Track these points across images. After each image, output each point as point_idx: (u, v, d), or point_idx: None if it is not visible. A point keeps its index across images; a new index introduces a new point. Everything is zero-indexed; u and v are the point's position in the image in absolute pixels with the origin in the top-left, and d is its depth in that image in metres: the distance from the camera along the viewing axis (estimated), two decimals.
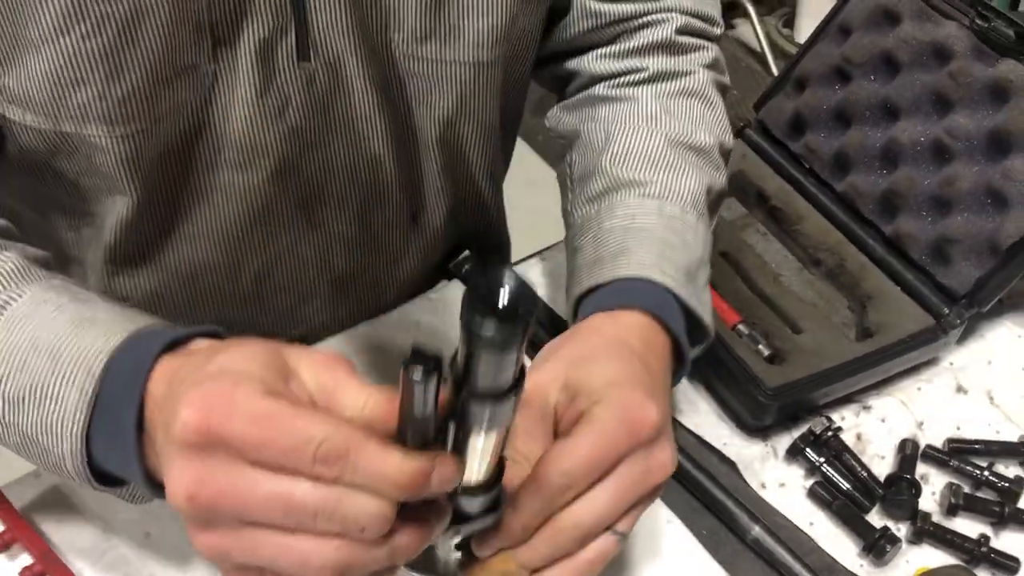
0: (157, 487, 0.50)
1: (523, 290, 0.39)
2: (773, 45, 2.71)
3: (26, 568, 0.65)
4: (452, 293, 0.89)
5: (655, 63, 0.78)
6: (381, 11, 0.69)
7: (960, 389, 0.83)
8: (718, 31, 0.83)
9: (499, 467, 0.51)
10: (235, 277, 0.81)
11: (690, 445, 0.78)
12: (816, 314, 0.84)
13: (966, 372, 0.84)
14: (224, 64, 0.66)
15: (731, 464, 0.78)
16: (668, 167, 0.73)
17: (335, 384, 0.46)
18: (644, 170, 0.72)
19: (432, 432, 0.44)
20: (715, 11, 0.83)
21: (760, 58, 2.71)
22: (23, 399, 0.53)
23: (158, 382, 0.49)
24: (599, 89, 0.80)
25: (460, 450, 0.46)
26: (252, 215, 0.76)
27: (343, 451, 0.42)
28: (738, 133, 0.99)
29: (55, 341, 0.53)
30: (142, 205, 0.71)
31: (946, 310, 0.82)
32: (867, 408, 0.81)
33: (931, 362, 0.85)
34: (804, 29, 2.67)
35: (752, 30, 2.66)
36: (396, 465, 0.42)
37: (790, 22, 2.77)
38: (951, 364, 0.85)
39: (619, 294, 0.65)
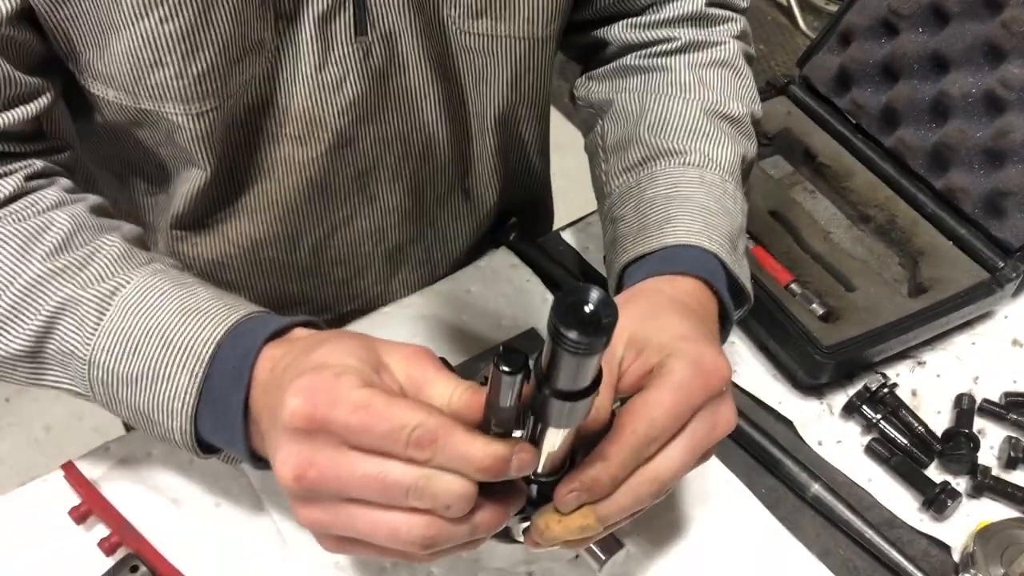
0: (259, 460, 0.56)
1: (607, 304, 0.41)
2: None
3: (103, 539, 0.67)
4: (500, 260, 0.89)
5: (686, 34, 0.78)
6: None
7: (1016, 343, 0.83)
8: (745, 3, 0.83)
9: (566, 459, 0.52)
10: (293, 249, 0.82)
11: (746, 405, 0.79)
12: (868, 271, 0.83)
13: (1021, 325, 0.84)
14: (286, 39, 0.67)
15: (788, 423, 0.78)
16: (705, 136, 0.73)
17: (423, 377, 0.51)
18: (682, 139, 0.73)
19: (514, 422, 0.47)
20: None
21: (787, 12, 2.68)
22: (137, 379, 0.58)
23: (262, 369, 0.54)
24: (630, 59, 0.80)
25: (535, 440, 0.49)
26: (310, 188, 0.77)
27: (433, 436, 0.46)
28: (782, 90, 0.98)
29: (166, 328, 0.57)
30: (211, 177, 0.74)
31: (1001, 263, 0.82)
32: (921, 364, 0.81)
33: (985, 316, 0.84)
34: None
35: None
36: (480, 449, 0.47)
37: None
38: (1006, 317, 0.85)
39: (671, 260, 0.65)
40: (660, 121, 0.74)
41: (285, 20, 0.67)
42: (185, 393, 0.56)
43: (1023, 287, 0.85)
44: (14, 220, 0.62)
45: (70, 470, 0.71)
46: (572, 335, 0.40)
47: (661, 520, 0.71)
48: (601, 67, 0.82)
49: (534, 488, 0.53)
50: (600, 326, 0.40)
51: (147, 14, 0.62)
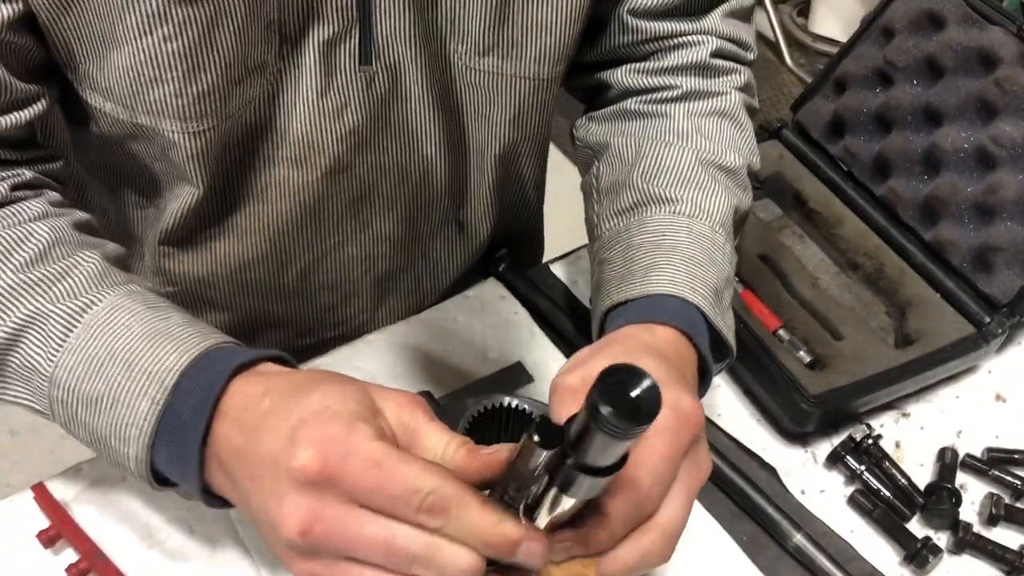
0: (212, 497, 0.54)
1: (653, 395, 0.40)
2: (788, 35, 2.70)
3: (72, 565, 0.65)
4: (488, 291, 0.88)
5: (687, 82, 0.78)
6: (445, 22, 0.69)
7: (999, 398, 0.83)
8: (751, 56, 0.83)
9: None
10: (281, 272, 0.81)
11: (730, 450, 0.78)
12: (855, 319, 0.84)
13: (1005, 381, 0.84)
14: (289, 63, 0.67)
15: (771, 470, 0.78)
16: (698, 186, 0.73)
17: (416, 425, 0.50)
18: (675, 187, 0.72)
19: (529, 487, 0.46)
20: (750, 37, 0.82)
21: (774, 47, 2.71)
22: (96, 401, 0.56)
23: (232, 405, 0.52)
24: (630, 103, 0.80)
25: (542, 498, 0.47)
26: (303, 212, 0.76)
27: (447, 504, 0.45)
28: (774, 134, 0.99)
29: (130, 351, 0.55)
30: (203, 195, 0.73)
31: (987, 318, 0.82)
32: (906, 415, 0.81)
33: (970, 370, 0.85)
34: (819, 18, 2.66)
35: (767, 19, 2.65)
36: (493, 525, 0.45)
37: (804, 11, 2.76)
38: (990, 372, 0.85)
39: (651, 309, 0.65)
40: (654, 168, 0.74)
41: (290, 44, 0.66)
42: (143, 420, 0.54)
43: (1008, 342, 0.86)
44: None
45: (40, 492, 0.69)
46: (611, 417, 0.38)
47: None
48: (602, 109, 0.82)
49: None
50: (642, 413, 0.39)
51: (151, 31, 0.61)
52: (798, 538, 0.72)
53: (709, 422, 0.80)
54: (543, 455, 0.43)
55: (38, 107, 0.66)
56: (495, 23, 0.70)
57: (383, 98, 0.71)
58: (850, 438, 0.78)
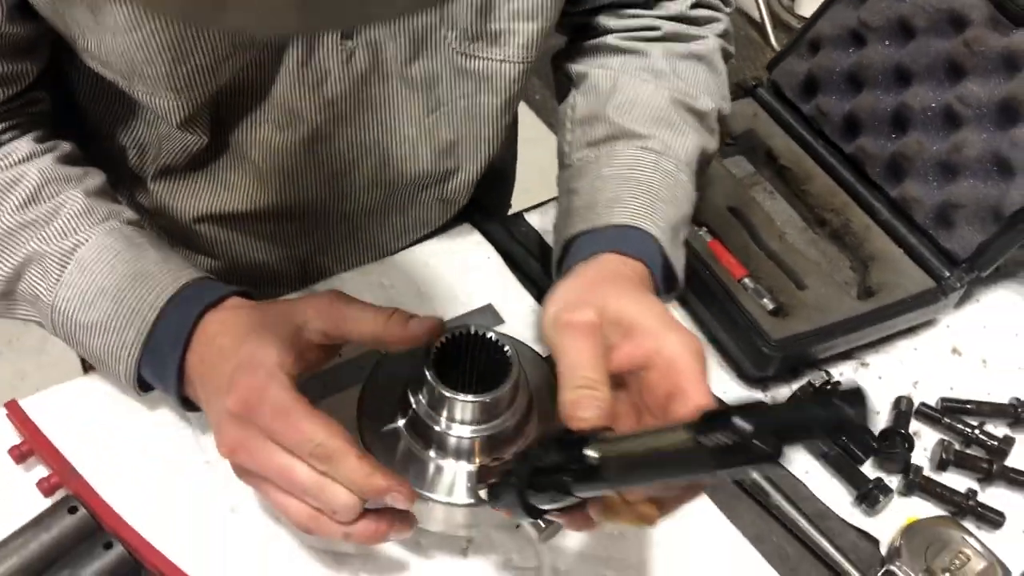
0: (188, 404, 0.66)
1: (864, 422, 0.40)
2: (773, 16, 2.71)
3: (42, 479, 0.67)
4: (462, 236, 0.89)
5: (668, 26, 0.81)
6: (433, 8, 0.71)
7: (955, 351, 0.86)
8: (728, 9, 0.86)
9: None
10: (260, 222, 0.84)
11: None
12: (820, 272, 0.85)
13: (961, 335, 0.87)
14: (278, 36, 0.69)
15: None
16: (669, 124, 0.75)
17: (342, 315, 0.62)
18: (647, 124, 0.75)
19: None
20: None
21: (759, 28, 2.72)
22: (91, 327, 0.67)
23: (198, 339, 0.63)
24: (611, 39, 0.82)
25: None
26: (284, 177, 0.79)
27: (331, 454, 0.56)
28: (750, 92, 1.00)
29: (117, 289, 0.66)
30: (193, 147, 0.76)
31: (947, 273, 0.84)
32: (865, 365, 0.84)
33: (928, 324, 0.87)
34: (804, 1, 2.67)
35: (754, 0, 2.66)
36: (363, 476, 0.57)
37: None
38: (947, 327, 0.87)
39: (619, 240, 0.68)
40: (628, 103, 0.76)
41: None
42: (132, 344, 0.65)
43: (966, 298, 0.88)
44: None
45: (13, 408, 0.70)
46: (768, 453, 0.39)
47: None
48: (584, 42, 0.84)
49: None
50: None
51: (138, 27, 0.65)
52: (754, 476, 0.74)
53: None
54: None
55: (24, 80, 0.71)
56: (483, 11, 0.72)
57: (363, 75, 0.73)
58: (809, 383, 0.80)
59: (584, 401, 0.54)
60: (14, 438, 0.69)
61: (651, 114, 0.75)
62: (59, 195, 0.69)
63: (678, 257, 0.71)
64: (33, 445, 0.68)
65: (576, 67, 0.83)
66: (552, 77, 0.88)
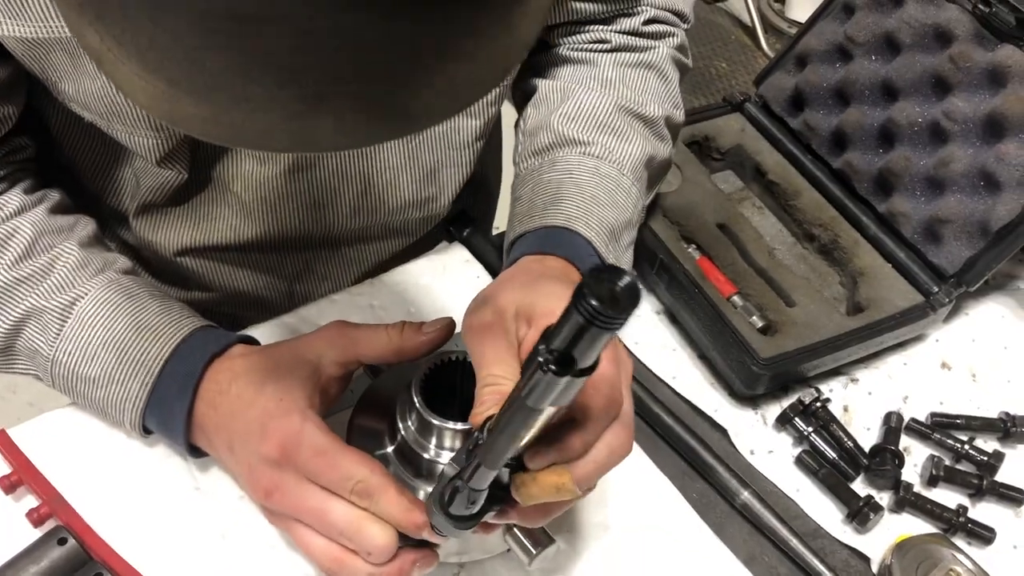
0: (195, 450, 0.67)
1: (634, 287, 0.41)
2: (764, 20, 2.71)
3: (32, 510, 0.66)
4: (452, 255, 0.90)
5: (618, 39, 0.82)
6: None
7: (944, 365, 0.86)
8: (686, 25, 0.86)
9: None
10: (243, 252, 0.84)
11: (682, 411, 0.80)
12: (809, 288, 0.86)
13: (951, 349, 0.87)
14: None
15: (722, 431, 0.80)
16: (613, 131, 0.76)
17: (353, 337, 0.64)
18: (590, 131, 0.76)
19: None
20: (687, 8, 0.86)
21: (750, 32, 2.72)
22: (94, 380, 0.67)
23: (207, 389, 0.64)
24: (563, 50, 0.83)
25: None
26: (267, 208, 0.79)
27: (372, 491, 0.57)
28: (738, 107, 1.01)
29: (120, 341, 0.66)
30: (173, 184, 0.77)
31: (935, 288, 0.84)
32: (855, 380, 0.84)
33: (917, 338, 0.87)
34: (795, 4, 2.67)
35: (744, 4, 2.67)
36: (404, 511, 0.57)
37: None
38: (937, 341, 0.88)
39: (546, 241, 0.69)
40: (574, 111, 0.77)
41: None
42: (136, 397, 0.66)
43: (955, 313, 0.88)
44: None
45: (2, 438, 0.70)
46: (605, 310, 0.40)
47: (593, 519, 0.72)
48: (538, 55, 0.85)
49: (506, 472, 0.54)
50: (621, 305, 0.41)
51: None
52: (745, 495, 0.74)
53: (663, 383, 0.82)
54: (551, 378, 0.43)
55: (6, 123, 0.70)
56: None
57: None
58: (799, 401, 0.80)
59: (485, 397, 0.54)
60: (3, 468, 0.69)
61: (595, 122, 0.76)
62: (53, 248, 0.70)
63: (620, 259, 0.72)
64: (22, 475, 0.68)
65: (530, 80, 0.84)
66: (511, 93, 0.89)
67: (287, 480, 0.59)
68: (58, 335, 0.67)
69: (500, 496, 0.55)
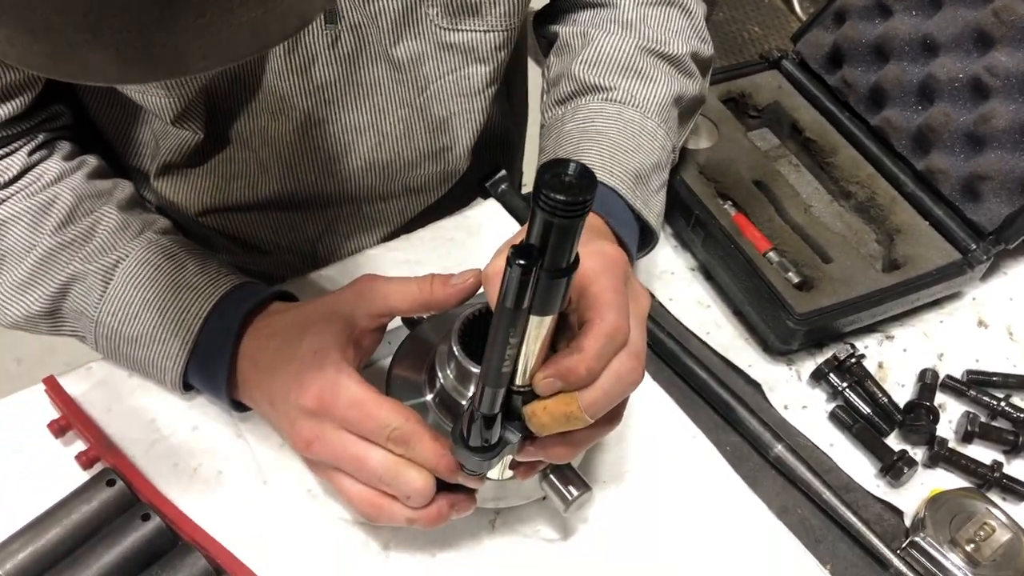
0: (237, 404, 0.69)
1: (586, 171, 0.43)
2: None
3: (81, 453, 0.68)
4: (486, 211, 0.90)
5: None
6: None
7: (981, 323, 0.86)
8: None
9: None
10: (264, 210, 0.85)
11: (716, 366, 0.81)
12: (845, 245, 0.85)
13: (988, 307, 0.87)
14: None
15: (756, 385, 0.80)
16: (636, 74, 0.76)
17: (383, 292, 0.64)
18: (611, 76, 0.76)
19: (513, 323, 0.50)
20: None
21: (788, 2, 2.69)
22: (136, 339, 0.69)
23: (247, 346, 0.66)
24: None
25: (520, 343, 0.51)
26: (283, 163, 0.80)
27: (408, 437, 0.59)
28: (774, 64, 1.00)
29: (161, 301, 0.68)
30: (190, 144, 0.78)
31: (973, 245, 0.84)
32: (890, 338, 0.84)
33: (954, 296, 0.87)
34: None
35: None
36: (439, 456, 0.59)
37: None
38: (973, 299, 0.87)
39: None
40: (594, 57, 0.77)
41: None
42: (177, 355, 0.68)
43: (993, 271, 0.88)
44: (24, 196, 0.70)
45: (51, 384, 0.72)
46: (561, 200, 0.42)
47: (630, 472, 0.73)
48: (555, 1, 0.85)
49: (519, 399, 0.56)
50: (584, 185, 0.43)
51: None
52: (779, 449, 0.74)
53: (696, 337, 0.83)
54: (519, 272, 0.46)
55: (35, 86, 0.71)
56: None
57: (350, 58, 0.74)
58: (834, 357, 0.80)
59: None
60: (52, 413, 0.71)
61: (616, 66, 0.76)
62: (94, 212, 0.71)
63: (650, 203, 0.72)
64: (71, 419, 0.70)
65: (551, 27, 0.84)
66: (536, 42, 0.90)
67: (326, 430, 0.60)
68: (101, 296, 0.69)
69: (519, 429, 0.56)
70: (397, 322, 0.73)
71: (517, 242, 0.48)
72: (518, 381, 0.55)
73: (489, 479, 0.63)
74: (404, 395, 0.65)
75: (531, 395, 0.56)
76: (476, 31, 0.77)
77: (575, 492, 0.63)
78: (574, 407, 0.54)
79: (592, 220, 0.67)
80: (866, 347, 0.82)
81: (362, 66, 0.75)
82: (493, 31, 0.77)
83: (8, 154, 0.71)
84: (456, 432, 0.57)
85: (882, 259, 0.86)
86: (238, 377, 0.67)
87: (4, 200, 0.70)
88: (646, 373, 0.77)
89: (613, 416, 0.59)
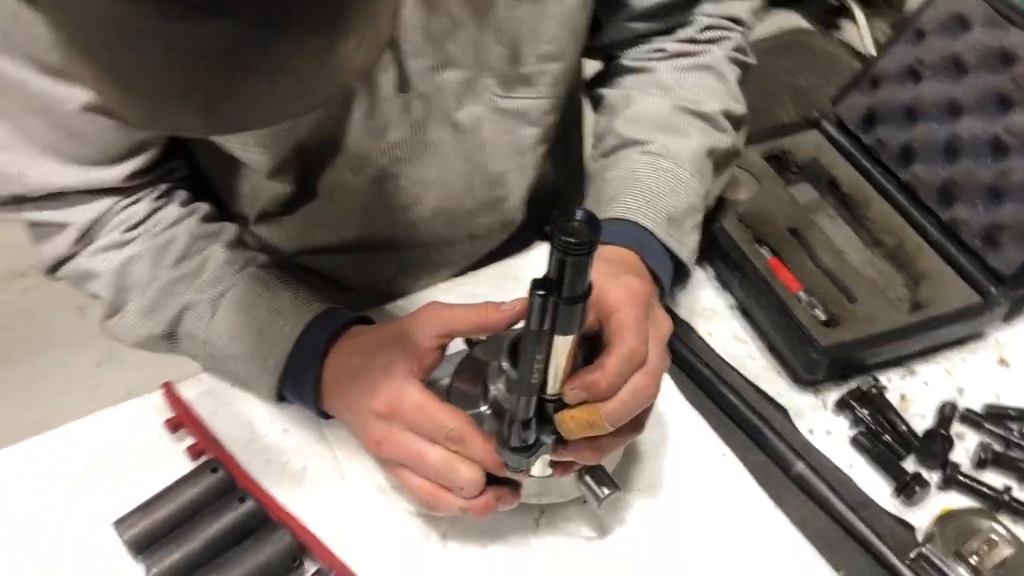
0: (322, 413, 0.80)
1: (592, 217, 0.54)
2: (879, 47, 2.74)
3: (191, 446, 0.81)
4: (543, 253, 1.00)
5: (674, 46, 0.92)
6: (470, 61, 0.84)
7: (1002, 362, 0.92)
8: (743, 29, 0.95)
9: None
10: (345, 253, 0.98)
11: (747, 392, 0.89)
12: (873, 288, 0.93)
13: (1010, 347, 0.93)
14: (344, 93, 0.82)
15: (783, 411, 0.88)
16: (671, 129, 0.87)
17: (448, 317, 0.73)
18: (649, 131, 0.87)
19: (538, 343, 0.60)
20: (744, 13, 0.95)
21: (865, 61, 2.75)
22: (238, 357, 0.81)
23: (331, 362, 0.77)
24: (625, 60, 0.95)
25: (548, 359, 0.62)
26: (362, 212, 0.93)
27: (463, 437, 0.68)
28: (814, 124, 1.09)
29: (260, 323, 0.80)
30: (282, 195, 0.91)
31: (993, 289, 0.91)
32: (912, 373, 0.90)
33: (977, 336, 0.93)
34: None
35: (857, 32, 2.71)
36: (488, 453, 0.68)
37: (898, 26, 2.80)
38: (996, 340, 0.93)
39: (607, 233, 0.79)
40: (634, 115, 0.89)
41: None
42: (273, 371, 0.79)
43: (1014, 313, 0.94)
44: (148, 237, 0.84)
45: (168, 388, 0.85)
46: (573, 241, 0.53)
47: (665, 484, 0.81)
48: (606, 67, 0.97)
49: (552, 407, 0.66)
50: (591, 228, 0.53)
51: None
52: (800, 466, 0.82)
53: (730, 367, 0.91)
54: (539, 301, 0.56)
55: (155, 144, 0.83)
56: (513, 59, 0.84)
57: (419, 122, 0.86)
58: (858, 388, 0.88)
59: None
60: (168, 413, 0.84)
61: (654, 123, 0.87)
62: (205, 250, 0.84)
63: (683, 241, 0.82)
64: (183, 419, 0.83)
65: (599, 90, 0.96)
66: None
67: (393, 431, 0.70)
68: (210, 321, 0.81)
69: (552, 432, 0.67)
70: (460, 344, 0.84)
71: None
72: (550, 391, 0.65)
73: (531, 476, 0.72)
74: (462, 405, 0.76)
75: (561, 404, 0.66)
76: (527, 98, 0.88)
77: (606, 491, 0.72)
78: (596, 416, 0.65)
79: (626, 256, 0.78)
80: (889, 380, 0.89)
81: (429, 129, 0.87)
82: (542, 98, 0.89)
83: (136, 201, 0.85)
84: (500, 434, 0.68)
85: (907, 301, 0.94)
86: (323, 389, 0.78)
87: (132, 240, 0.84)
88: (682, 396, 0.87)
89: (635, 426, 0.69)
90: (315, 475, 0.81)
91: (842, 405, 0.87)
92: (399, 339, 0.74)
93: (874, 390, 0.87)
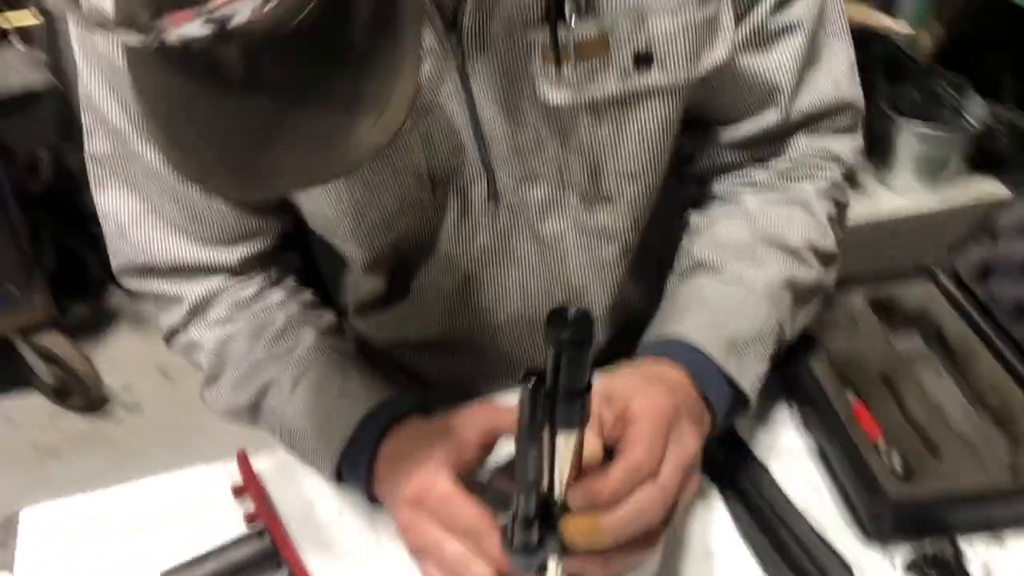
0: (373, 497, 0.83)
1: (584, 315, 0.55)
2: None
3: (249, 513, 0.86)
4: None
5: (764, 179, 0.93)
6: (554, 178, 0.88)
7: None
8: (841, 168, 0.94)
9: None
10: (429, 350, 1.03)
11: (812, 543, 0.84)
12: (964, 445, 0.87)
13: None
14: (439, 199, 0.88)
15: (847, 568, 0.82)
16: (748, 256, 0.87)
17: (490, 420, 0.76)
18: (724, 256, 0.87)
19: (533, 443, 0.61)
20: (845, 151, 0.93)
21: None
22: (307, 434, 0.86)
23: (385, 448, 0.80)
24: (714, 186, 0.96)
25: (552, 454, 0.62)
26: (447, 312, 0.98)
27: (478, 532, 0.69)
28: (927, 272, 1.05)
29: (328, 403, 0.85)
30: (377, 290, 0.98)
31: None
32: (999, 540, 0.83)
33: None
34: None
35: None
36: (497, 555, 0.68)
37: None
38: None
39: (663, 348, 0.81)
40: (712, 240, 0.89)
41: (440, 187, 0.87)
42: (335, 451, 0.83)
43: None
44: (251, 316, 0.91)
45: (241, 458, 0.91)
46: (567, 337, 0.55)
47: None
48: (697, 192, 0.98)
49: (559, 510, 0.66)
50: (581, 324, 0.55)
51: (326, 193, 0.85)
52: None
53: (800, 516, 0.86)
54: (529, 393, 0.57)
55: (269, 233, 0.92)
56: (593, 175, 0.88)
57: (505, 231, 0.91)
58: (934, 555, 0.81)
59: None
60: (237, 478, 0.90)
61: (732, 249, 0.87)
62: (299, 333, 0.91)
63: (744, 369, 0.81)
64: (249, 488, 0.88)
65: (686, 214, 0.97)
66: None
67: (420, 519, 0.72)
68: (290, 397, 0.87)
69: (559, 539, 0.66)
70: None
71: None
72: (556, 495, 0.65)
73: None
74: (495, 503, 0.76)
75: (567, 509, 0.66)
76: (607, 214, 0.91)
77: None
78: (597, 525, 0.64)
79: (669, 372, 0.77)
80: (971, 545, 0.82)
81: (514, 238, 0.91)
82: (622, 215, 0.91)
83: (247, 281, 0.94)
84: (505, 533, 0.68)
85: (1005, 463, 0.86)
86: (374, 474, 0.81)
87: (236, 318, 0.93)
88: (739, 535, 0.83)
89: (645, 543, 0.67)
90: (356, 556, 0.84)
91: (913, 567, 0.81)
92: (444, 431, 0.77)
93: (951, 559, 0.80)
